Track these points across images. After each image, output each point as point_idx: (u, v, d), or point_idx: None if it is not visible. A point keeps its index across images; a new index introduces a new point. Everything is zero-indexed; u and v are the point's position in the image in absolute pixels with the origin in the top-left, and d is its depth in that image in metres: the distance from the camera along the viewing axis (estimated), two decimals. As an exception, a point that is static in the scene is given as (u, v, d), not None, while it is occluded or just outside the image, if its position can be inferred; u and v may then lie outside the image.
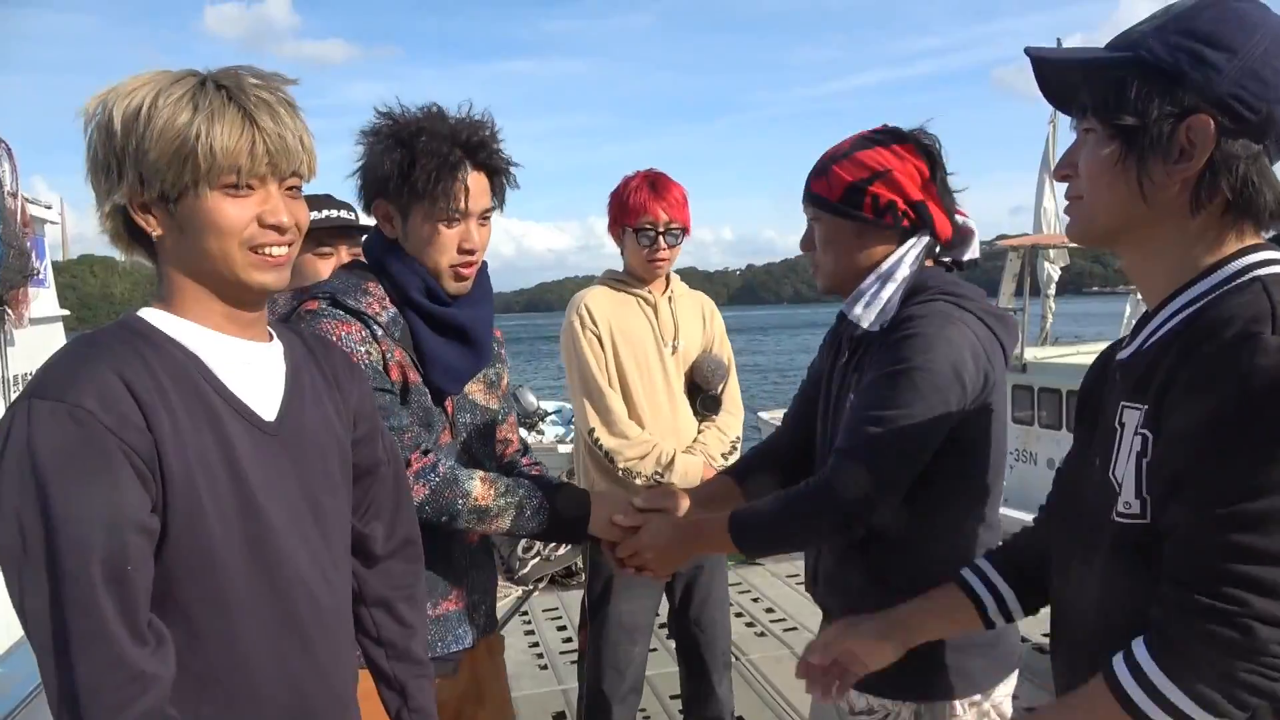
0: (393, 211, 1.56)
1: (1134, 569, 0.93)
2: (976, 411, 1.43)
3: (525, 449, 1.89)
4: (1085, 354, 9.93)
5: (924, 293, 1.45)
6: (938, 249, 1.53)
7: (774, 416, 16.02)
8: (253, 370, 1.08)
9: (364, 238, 1.63)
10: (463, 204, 1.53)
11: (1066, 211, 1.06)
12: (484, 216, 1.59)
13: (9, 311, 5.02)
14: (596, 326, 2.49)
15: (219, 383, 1.03)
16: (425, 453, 1.53)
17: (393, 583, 1.28)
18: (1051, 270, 11.02)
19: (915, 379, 1.37)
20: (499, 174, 1.59)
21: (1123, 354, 1.03)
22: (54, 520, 0.88)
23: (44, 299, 5.48)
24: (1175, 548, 0.88)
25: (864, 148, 1.48)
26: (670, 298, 2.58)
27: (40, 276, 5.30)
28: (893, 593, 1.37)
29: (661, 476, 2.45)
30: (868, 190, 1.46)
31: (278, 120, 1.01)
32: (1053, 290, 11.16)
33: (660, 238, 2.45)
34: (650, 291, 2.56)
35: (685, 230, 2.49)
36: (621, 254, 2.57)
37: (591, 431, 2.48)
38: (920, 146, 1.48)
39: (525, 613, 4.59)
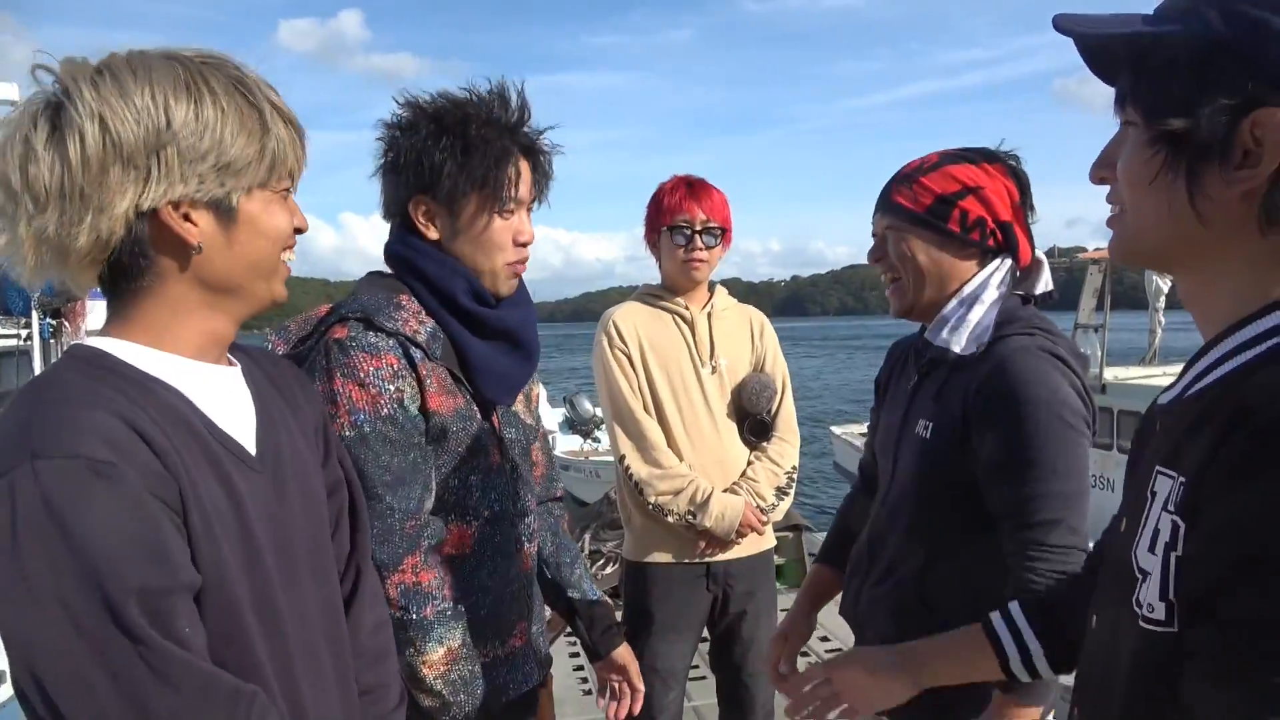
0: (436, 209, 1.43)
1: (1158, 693, 0.69)
2: None
3: (551, 465, 1.74)
4: (1173, 375, 9.35)
5: (1014, 324, 1.39)
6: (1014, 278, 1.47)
7: (845, 432, 15.56)
8: (229, 399, 0.96)
9: (387, 242, 1.49)
10: (518, 190, 1.42)
11: (1108, 224, 0.82)
12: (530, 207, 1.49)
13: (65, 324, 5.11)
14: (626, 345, 2.33)
15: (206, 418, 0.90)
16: (423, 560, 1.34)
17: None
18: (1161, 282, 9.92)
19: (1054, 408, 1.29)
20: (540, 157, 1.47)
21: (1165, 397, 0.81)
22: (112, 599, 0.74)
23: (100, 311, 5.53)
24: (1200, 687, 0.64)
25: (953, 163, 1.44)
26: (710, 313, 2.40)
27: (97, 289, 5.33)
28: (939, 625, 1.26)
29: (694, 516, 2.28)
30: (957, 204, 1.42)
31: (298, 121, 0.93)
32: (1162, 304, 10.26)
33: (697, 236, 2.28)
34: (688, 307, 2.38)
35: (725, 232, 2.33)
36: (659, 264, 2.41)
37: (623, 459, 2.33)
38: (1009, 169, 1.45)
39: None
